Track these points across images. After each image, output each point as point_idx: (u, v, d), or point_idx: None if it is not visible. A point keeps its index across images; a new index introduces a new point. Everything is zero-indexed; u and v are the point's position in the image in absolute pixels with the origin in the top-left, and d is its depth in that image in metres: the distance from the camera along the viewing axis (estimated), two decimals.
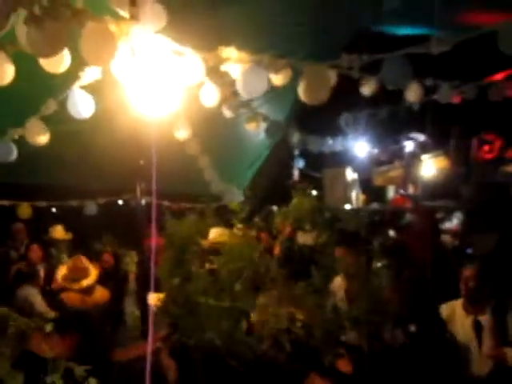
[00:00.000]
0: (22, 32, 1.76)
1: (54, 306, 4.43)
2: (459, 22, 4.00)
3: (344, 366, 2.73)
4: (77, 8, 1.88)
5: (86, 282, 4.40)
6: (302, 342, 2.75)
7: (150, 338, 1.80)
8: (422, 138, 7.99)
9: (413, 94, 3.50)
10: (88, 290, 4.42)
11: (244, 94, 2.44)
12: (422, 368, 2.71)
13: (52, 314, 4.22)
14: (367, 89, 3.09)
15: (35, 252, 5.98)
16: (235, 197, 6.09)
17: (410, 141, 7.96)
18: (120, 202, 7.47)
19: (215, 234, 5.23)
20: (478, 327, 3.09)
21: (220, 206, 6.36)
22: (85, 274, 4.45)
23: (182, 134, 4.41)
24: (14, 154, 3.64)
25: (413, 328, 2.91)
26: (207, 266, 3.84)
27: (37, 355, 2.55)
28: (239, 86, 2.39)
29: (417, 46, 2.22)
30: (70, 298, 4.33)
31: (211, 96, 3.09)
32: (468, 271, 3.23)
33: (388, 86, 2.67)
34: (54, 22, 1.69)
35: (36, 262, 5.77)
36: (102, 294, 4.60)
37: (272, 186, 8.34)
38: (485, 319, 3.05)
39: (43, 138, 3.36)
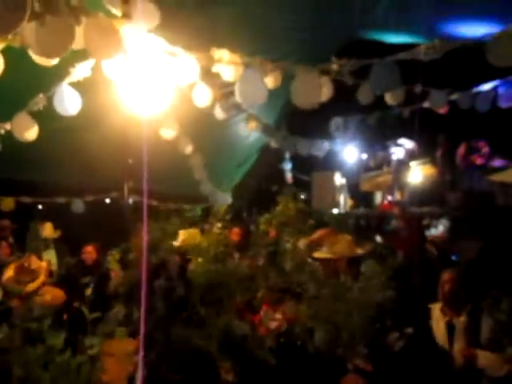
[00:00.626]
0: (29, 33, 1.76)
1: None
2: (448, 31, 4.05)
3: (365, 365, 2.79)
4: (73, 4, 1.89)
5: (31, 286, 4.08)
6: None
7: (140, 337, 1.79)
8: (410, 144, 8.07)
9: (394, 98, 3.53)
10: (33, 294, 4.04)
11: (244, 104, 2.45)
12: (419, 370, 2.77)
13: None
14: (363, 96, 3.09)
15: (3, 249, 5.94)
16: (223, 198, 6.10)
17: (399, 147, 8.03)
18: (107, 200, 7.42)
19: (184, 235, 5.27)
20: (450, 328, 3.17)
21: (207, 207, 6.37)
22: (32, 276, 4.18)
23: (172, 133, 4.40)
24: None
25: (409, 330, 2.96)
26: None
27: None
28: (238, 96, 2.40)
29: (406, 52, 2.24)
30: (13, 303, 4.01)
31: (203, 96, 3.09)
32: (446, 275, 3.31)
33: (376, 92, 2.69)
34: (54, 17, 1.69)
35: (4, 260, 5.72)
36: (53, 295, 4.16)
37: (260, 189, 8.36)
38: (459, 321, 3.13)
39: (31, 134, 3.29)
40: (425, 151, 8.43)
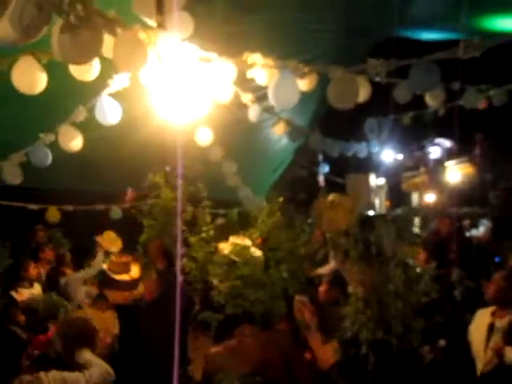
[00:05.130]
0: (56, 40, 1.81)
1: None
2: (485, 27, 3.95)
3: None
4: (109, 17, 1.94)
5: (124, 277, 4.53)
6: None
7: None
8: (447, 143, 7.88)
9: (434, 98, 3.43)
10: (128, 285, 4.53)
11: (277, 107, 2.46)
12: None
13: None
14: (401, 95, 3.03)
15: (47, 253, 6.11)
16: (258, 203, 6.09)
17: (436, 147, 7.86)
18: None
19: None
20: (491, 329, 3.07)
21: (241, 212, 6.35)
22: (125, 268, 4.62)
23: (206, 139, 4.43)
24: (50, 159, 3.67)
25: (442, 343, 2.86)
26: None
27: None
28: (271, 99, 2.40)
29: (445, 51, 2.19)
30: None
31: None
32: (498, 275, 3.20)
33: (416, 91, 2.64)
34: (88, 30, 1.73)
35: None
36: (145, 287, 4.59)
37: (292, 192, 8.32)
38: (501, 322, 3.03)
39: (76, 144, 3.39)
40: (462, 150, 8.22)
